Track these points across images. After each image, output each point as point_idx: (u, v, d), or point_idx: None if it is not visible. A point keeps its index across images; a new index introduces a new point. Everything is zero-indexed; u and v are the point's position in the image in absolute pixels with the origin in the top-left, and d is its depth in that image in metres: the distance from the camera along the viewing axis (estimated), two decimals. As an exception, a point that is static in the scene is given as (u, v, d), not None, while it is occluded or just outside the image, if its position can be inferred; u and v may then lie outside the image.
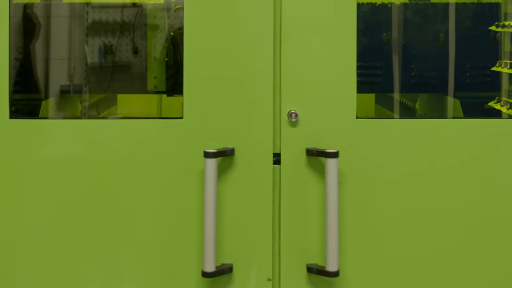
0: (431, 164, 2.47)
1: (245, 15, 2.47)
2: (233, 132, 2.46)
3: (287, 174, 2.47)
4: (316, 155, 2.44)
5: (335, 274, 2.41)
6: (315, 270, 2.45)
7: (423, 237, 2.48)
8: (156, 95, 3.25)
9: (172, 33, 3.34)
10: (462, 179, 2.47)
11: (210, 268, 2.40)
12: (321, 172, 2.46)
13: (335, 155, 2.40)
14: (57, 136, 2.49)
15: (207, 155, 2.39)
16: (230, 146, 2.46)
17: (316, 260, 2.48)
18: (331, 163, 2.39)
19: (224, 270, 2.45)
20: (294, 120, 2.45)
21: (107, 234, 2.47)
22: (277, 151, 2.47)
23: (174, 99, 3.11)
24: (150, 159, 2.47)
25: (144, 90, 3.51)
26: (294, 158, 2.46)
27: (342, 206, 2.46)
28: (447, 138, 2.48)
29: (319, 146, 2.46)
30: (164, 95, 3.27)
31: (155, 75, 3.52)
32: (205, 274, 2.40)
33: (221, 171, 2.46)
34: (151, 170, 2.46)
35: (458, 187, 2.47)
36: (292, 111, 2.46)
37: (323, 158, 2.44)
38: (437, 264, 2.49)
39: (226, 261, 2.48)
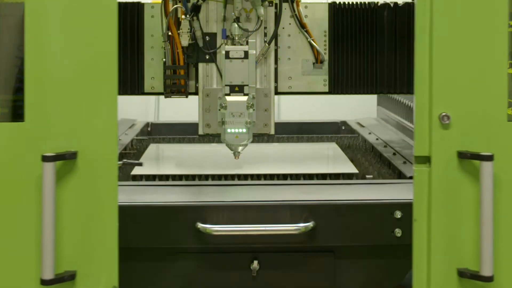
0: None
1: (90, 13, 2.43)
2: (76, 135, 2.44)
3: (437, 177, 2.46)
4: (469, 158, 2.43)
5: (490, 278, 2.40)
6: (468, 275, 2.44)
7: None
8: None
9: (170, 33, 3.29)
10: None
11: (48, 275, 2.38)
12: (473, 175, 2.45)
13: (490, 158, 2.39)
14: None
15: (44, 159, 2.37)
16: (73, 150, 2.43)
17: (466, 264, 2.46)
18: (486, 166, 2.39)
19: (64, 278, 2.42)
20: (446, 122, 2.44)
21: None
22: (426, 154, 2.46)
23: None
24: None
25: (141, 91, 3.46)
26: (445, 161, 2.46)
27: (496, 209, 2.44)
28: None
29: (470, 149, 2.45)
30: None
31: (152, 76, 3.46)
32: (43, 282, 2.38)
33: (63, 175, 2.43)
34: None
35: None
36: (444, 113, 2.44)
37: (476, 161, 2.43)
38: None
39: (70, 268, 2.45)
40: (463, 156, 2.44)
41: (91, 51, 2.43)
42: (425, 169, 2.46)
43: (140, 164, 3.26)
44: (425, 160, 2.48)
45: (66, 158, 2.41)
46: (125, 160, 3.16)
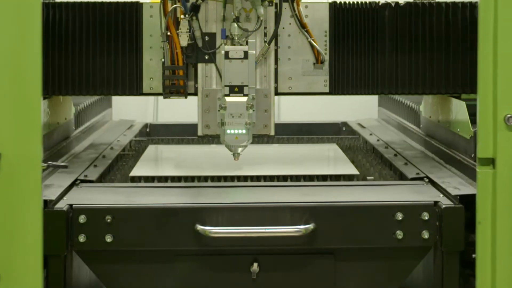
0: None
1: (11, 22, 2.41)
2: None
3: (503, 179, 2.44)
4: None
5: None
6: None
7: None
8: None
9: (169, 33, 3.27)
10: None
11: None
12: None
13: None
14: None
15: None
16: None
17: None
18: None
19: None
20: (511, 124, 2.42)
21: None
22: (490, 156, 2.44)
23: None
24: None
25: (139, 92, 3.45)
26: (510, 162, 2.44)
27: None
28: None
29: None
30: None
31: (151, 76, 3.45)
32: None
33: None
34: None
35: None
36: (509, 115, 2.42)
37: None
38: None
39: None
40: None
41: (14, 52, 2.41)
42: (489, 171, 2.45)
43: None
44: (489, 162, 2.47)
45: None
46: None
